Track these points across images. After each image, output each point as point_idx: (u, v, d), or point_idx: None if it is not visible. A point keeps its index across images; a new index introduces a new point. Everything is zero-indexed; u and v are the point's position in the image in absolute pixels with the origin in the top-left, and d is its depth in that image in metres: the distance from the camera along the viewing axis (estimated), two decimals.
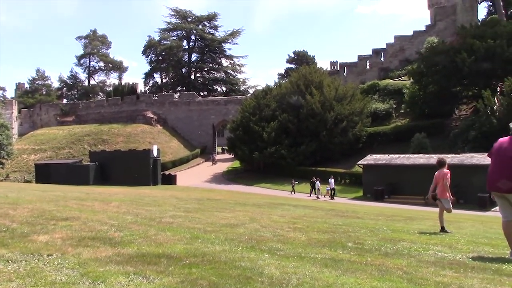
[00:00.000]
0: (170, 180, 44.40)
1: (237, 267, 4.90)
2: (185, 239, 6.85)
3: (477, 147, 37.53)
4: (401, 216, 16.01)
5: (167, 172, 48.24)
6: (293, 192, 39.62)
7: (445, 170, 9.95)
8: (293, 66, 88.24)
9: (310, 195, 38.16)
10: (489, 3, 79.78)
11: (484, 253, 6.65)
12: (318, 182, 38.15)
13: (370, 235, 8.48)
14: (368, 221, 12.34)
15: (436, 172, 10.09)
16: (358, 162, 40.14)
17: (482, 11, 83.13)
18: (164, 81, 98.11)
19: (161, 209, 12.69)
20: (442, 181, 9.90)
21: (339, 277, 4.58)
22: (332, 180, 37.16)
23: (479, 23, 60.53)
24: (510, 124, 6.54)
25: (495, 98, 40.65)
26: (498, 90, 42.98)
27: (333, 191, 36.79)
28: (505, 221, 6.36)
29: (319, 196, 37.40)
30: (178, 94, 76.73)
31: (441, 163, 10.11)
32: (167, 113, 71.02)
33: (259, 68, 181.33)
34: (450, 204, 9.92)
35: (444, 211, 10.02)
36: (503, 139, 6.48)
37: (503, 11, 63.66)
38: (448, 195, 9.86)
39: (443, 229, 9.87)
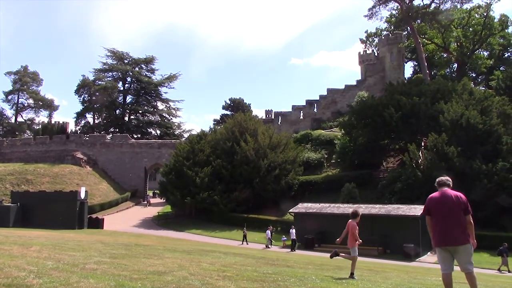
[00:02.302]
0: (97, 223, 42.85)
1: None
2: (109, 287, 6.56)
3: (403, 198, 38.98)
4: (330, 265, 16.17)
5: (94, 216, 46.54)
6: (245, 242, 37.14)
7: (356, 221, 11.12)
8: (228, 112, 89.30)
9: (242, 243, 37.00)
10: (415, 63, 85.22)
11: None
12: (269, 231, 36.56)
13: (299, 284, 8.49)
14: (298, 270, 12.35)
15: (349, 221, 11.20)
16: (290, 210, 40.55)
17: (408, 70, 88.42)
18: (96, 121, 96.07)
19: (86, 254, 12.14)
20: (352, 231, 11.06)
21: None
22: (293, 231, 34.86)
23: (406, 81, 64.17)
24: (437, 179, 7.15)
25: (420, 152, 42.72)
26: (423, 144, 45.25)
27: (294, 242, 34.49)
28: (445, 273, 6.91)
29: (269, 246, 35.57)
30: (111, 135, 75.13)
31: (354, 215, 11.26)
32: (98, 155, 69.10)
33: (195, 113, 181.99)
34: (356, 252, 11.05)
35: (354, 258, 11.10)
36: (439, 194, 7.00)
37: (427, 71, 68.00)
38: (356, 243, 11.06)
39: (352, 276, 10.78)
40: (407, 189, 40.60)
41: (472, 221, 6.95)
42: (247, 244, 36.69)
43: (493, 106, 42.91)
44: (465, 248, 6.84)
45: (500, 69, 75.78)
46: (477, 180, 37.60)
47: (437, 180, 7.20)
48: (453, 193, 7.00)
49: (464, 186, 37.68)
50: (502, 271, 27.82)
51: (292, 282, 8.68)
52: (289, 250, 33.72)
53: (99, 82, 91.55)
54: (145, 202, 66.14)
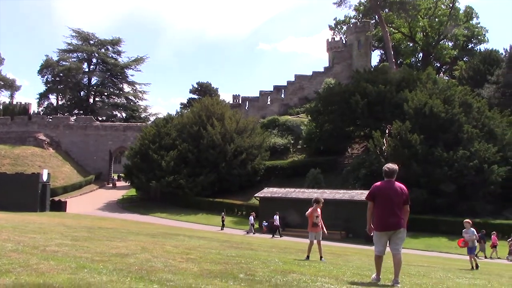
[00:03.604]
0: (60, 206, 42.08)
1: None
2: (70, 269, 6.49)
3: (366, 184, 39.60)
4: (293, 249, 16.41)
5: (57, 198, 45.69)
6: (222, 228, 36.46)
7: (318, 207, 11.59)
8: (196, 96, 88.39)
9: (222, 228, 36.31)
10: (382, 51, 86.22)
11: (367, 286, 6.97)
12: (252, 217, 35.85)
13: (262, 266, 8.57)
14: (261, 253, 12.48)
15: (314, 207, 11.63)
16: (255, 195, 40.75)
17: (375, 58, 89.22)
18: (60, 103, 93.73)
19: (47, 237, 11.95)
20: (312, 216, 11.55)
21: None
22: (277, 217, 33.62)
23: (372, 69, 64.91)
24: (384, 168, 7.65)
25: (384, 139, 43.43)
26: (387, 132, 45.99)
27: (278, 229, 33.39)
28: (378, 255, 7.56)
29: (253, 232, 35.01)
30: (75, 117, 73.61)
31: (316, 201, 11.75)
32: (61, 137, 67.61)
33: (161, 97, 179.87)
34: (312, 237, 11.58)
35: (315, 242, 11.59)
36: (384, 184, 7.55)
37: (393, 60, 68.95)
38: (314, 229, 11.58)
39: (308, 258, 11.32)
40: (371, 175, 41.24)
41: (408, 210, 7.61)
42: (223, 229, 36.23)
43: (456, 96, 43.87)
44: (402, 232, 7.48)
45: (464, 59, 77.47)
46: (438, 167, 38.53)
47: (385, 169, 7.67)
48: (397, 184, 7.58)
49: (425, 173, 38.70)
50: (479, 257, 28.65)
51: (255, 265, 8.76)
52: (271, 236, 32.62)
53: (63, 63, 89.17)
54: (110, 185, 65.53)
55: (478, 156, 38.91)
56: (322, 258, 11.30)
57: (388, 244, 7.60)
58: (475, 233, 14.23)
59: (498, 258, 28.84)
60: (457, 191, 38.81)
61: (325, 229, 11.90)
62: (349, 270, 9.16)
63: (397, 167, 7.74)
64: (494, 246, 29.35)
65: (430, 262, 17.71)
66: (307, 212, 11.73)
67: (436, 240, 34.24)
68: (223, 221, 37.22)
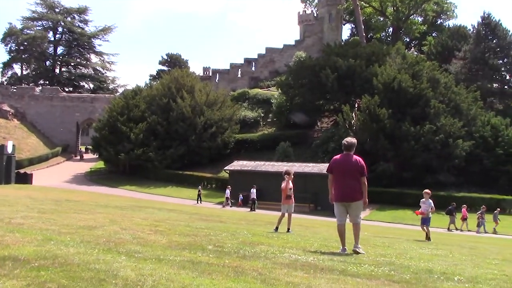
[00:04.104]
0: (26, 179, 41.23)
1: (90, 270, 4.69)
2: (36, 241, 6.41)
3: None
4: (262, 221, 16.58)
5: (22, 171, 44.78)
6: (199, 202, 36.07)
7: (289, 180, 11.70)
8: (165, 68, 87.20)
9: (197, 202, 35.96)
10: (353, 25, 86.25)
11: (334, 256, 7.11)
12: (228, 191, 35.70)
13: (231, 238, 8.64)
14: (230, 225, 12.58)
15: (287, 179, 11.70)
16: (225, 168, 40.85)
17: (346, 32, 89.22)
18: (24, 72, 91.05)
19: (12, 209, 11.75)
20: (286, 189, 11.64)
21: (195, 278, 4.59)
22: (254, 190, 33.31)
23: (343, 43, 65.04)
24: (343, 141, 7.94)
25: (353, 113, 43.88)
26: (356, 106, 46.45)
27: (254, 202, 33.06)
28: (340, 224, 7.86)
29: (229, 205, 35.00)
30: (40, 87, 71.74)
31: (286, 173, 11.83)
32: (27, 107, 65.91)
33: (130, 68, 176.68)
34: (285, 209, 11.71)
35: (286, 215, 11.72)
36: (342, 157, 7.85)
37: (364, 34, 69.14)
38: (287, 201, 11.71)
39: (277, 229, 11.39)
40: (339, 149, 41.60)
41: (366, 182, 7.82)
42: (201, 203, 35.97)
43: (424, 71, 44.47)
44: (358, 204, 7.77)
45: (433, 35, 78.22)
46: (405, 141, 39.25)
47: (344, 142, 7.98)
48: (354, 157, 7.83)
49: (393, 147, 39.38)
50: (451, 230, 29.42)
51: (224, 237, 8.83)
52: (249, 210, 32.31)
53: (28, 31, 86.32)
54: (77, 157, 64.61)
55: (444, 130, 39.75)
56: (290, 230, 11.45)
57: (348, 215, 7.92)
58: (432, 204, 14.41)
59: (469, 230, 29.67)
60: (423, 164, 39.70)
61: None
62: (316, 242, 9.32)
63: (355, 141, 8.06)
64: (464, 219, 30.16)
65: (396, 233, 18.18)
66: (282, 185, 11.75)
67: (402, 212, 35.04)
68: (199, 195, 36.98)
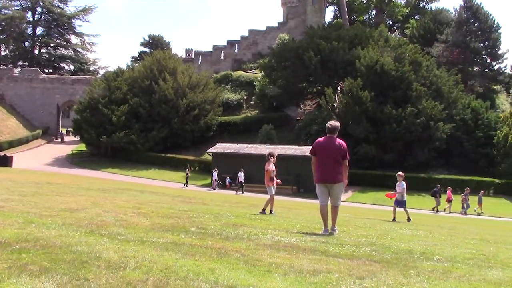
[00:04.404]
0: (6, 162, 40.66)
1: (72, 252, 4.67)
2: (17, 224, 6.35)
3: None
4: (245, 203, 16.64)
5: (2, 153, 44.17)
6: (186, 185, 35.86)
7: (272, 162, 11.73)
8: (147, 50, 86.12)
9: (185, 185, 35.80)
10: (336, 7, 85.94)
11: (316, 237, 7.18)
12: (215, 173, 35.48)
13: (214, 220, 8.67)
14: (213, 207, 12.61)
15: (270, 161, 11.77)
16: (208, 150, 40.80)
17: (329, 14, 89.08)
18: (3, 54, 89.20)
19: None
20: (270, 171, 11.71)
21: (178, 260, 4.60)
22: (241, 173, 32.99)
23: (326, 25, 64.88)
24: (327, 124, 8.05)
25: (336, 96, 44.00)
26: (339, 88, 46.56)
27: (241, 185, 33.00)
28: (322, 205, 8.02)
29: (215, 188, 34.92)
30: (19, 69, 70.40)
31: (269, 155, 11.86)
32: (5, 89, 64.72)
33: (111, 49, 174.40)
34: (272, 191, 11.70)
35: (271, 196, 11.67)
36: (325, 140, 7.96)
37: (347, 17, 69.03)
38: (271, 183, 11.73)
39: (263, 212, 11.41)
40: (322, 131, 41.82)
41: (347, 165, 8.04)
42: (187, 186, 35.80)
43: (406, 54, 44.67)
44: (339, 185, 7.95)
45: (415, 18, 78.45)
46: (387, 124, 39.57)
47: (327, 125, 8.07)
48: (338, 140, 7.95)
49: (375, 130, 39.68)
50: (439, 211, 29.79)
51: (207, 219, 8.85)
52: (235, 192, 32.37)
53: (5, 11, 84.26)
54: (58, 139, 63.94)
55: (425, 113, 40.14)
56: (273, 212, 11.52)
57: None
58: (405, 186, 14.53)
59: (450, 212, 30.11)
60: (405, 147, 40.13)
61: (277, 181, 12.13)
62: (299, 223, 9.40)
63: (339, 124, 8.21)
64: (449, 201, 30.57)
65: (377, 215, 18.40)
66: (267, 167, 11.76)
67: (384, 194, 35.29)
68: (187, 178, 36.91)
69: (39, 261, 4.20)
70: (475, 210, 30.53)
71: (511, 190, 37.07)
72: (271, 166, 11.70)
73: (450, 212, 29.94)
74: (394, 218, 14.36)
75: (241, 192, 32.26)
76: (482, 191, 32.40)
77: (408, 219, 14.27)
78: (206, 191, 32.63)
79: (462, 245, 8.01)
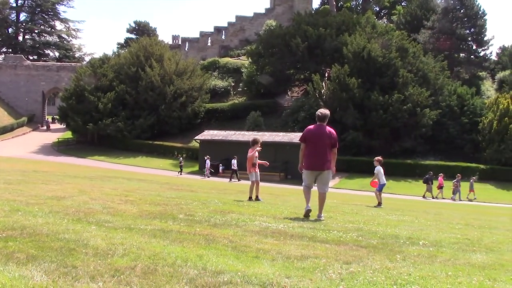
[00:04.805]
0: None
1: (60, 240, 4.66)
2: (3, 212, 6.31)
3: (305, 126, 39.92)
4: (233, 190, 16.68)
5: None
6: (180, 173, 35.45)
7: (255, 148, 11.67)
8: (133, 36, 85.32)
9: (179, 173, 35.47)
10: None
11: (303, 223, 7.23)
12: (208, 161, 34.88)
13: (202, 207, 8.68)
14: (201, 194, 12.62)
15: (254, 147, 11.67)
16: (195, 137, 40.70)
17: (316, 0, 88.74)
18: None
19: None
20: (252, 158, 11.62)
21: (166, 246, 4.62)
22: (234, 161, 31.95)
23: (313, 12, 64.69)
24: (317, 112, 8.15)
25: (323, 83, 44.02)
26: (326, 75, 46.58)
27: (235, 173, 32.08)
28: (305, 186, 8.23)
29: (208, 175, 34.42)
30: (3, 56, 69.53)
31: (253, 142, 11.82)
32: None
33: (97, 36, 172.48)
34: (254, 177, 11.55)
35: (255, 183, 11.58)
36: (315, 128, 8.04)
37: (334, 3, 68.89)
38: (252, 169, 11.61)
39: (250, 199, 11.39)
40: (309, 118, 42.00)
41: (336, 153, 8.19)
42: (181, 174, 35.39)
43: (393, 40, 44.76)
44: (327, 173, 8.08)
45: (402, 4, 78.50)
46: (374, 111, 39.75)
47: (318, 113, 8.19)
48: (327, 129, 8.05)
49: (362, 116, 39.85)
50: (427, 198, 30.01)
51: (195, 206, 8.86)
52: (228, 180, 31.54)
53: None
54: (44, 127, 63.43)
55: (411, 100, 40.35)
56: (260, 198, 11.55)
57: (316, 184, 8.24)
58: (381, 171, 14.60)
59: (443, 198, 30.35)
60: (391, 133, 40.38)
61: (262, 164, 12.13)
62: (286, 210, 9.44)
63: (329, 112, 8.29)
64: (440, 187, 30.78)
65: (364, 201, 18.53)
66: (249, 154, 11.76)
67: (370, 180, 35.63)
68: (181, 166, 36.54)
69: (26, 249, 4.19)
70: (467, 197, 30.77)
71: (496, 175, 37.55)
72: (252, 153, 11.68)
73: (443, 198, 30.19)
74: (380, 202, 14.33)
75: (236, 180, 31.47)
76: (474, 177, 32.51)
77: (379, 204, 14.18)
78: (199, 179, 32.45)
79: (447, 229, 8.11)
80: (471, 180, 31.39)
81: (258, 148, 11.78)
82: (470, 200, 30.18)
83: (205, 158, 35.73)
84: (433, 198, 30.17)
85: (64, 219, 6.04)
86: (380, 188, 14.73)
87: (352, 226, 7.42)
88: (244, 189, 17.41)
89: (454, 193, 30.35)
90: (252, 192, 11.58)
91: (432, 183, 30.57)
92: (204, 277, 3.61)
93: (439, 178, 31.03)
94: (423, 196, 30.08)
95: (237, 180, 31.28)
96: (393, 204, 17.53)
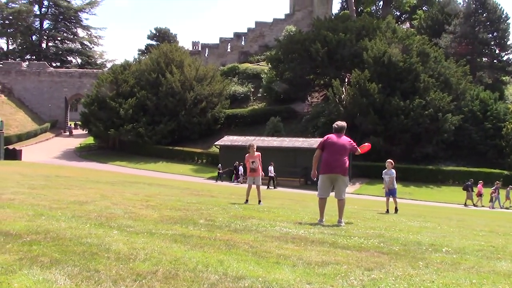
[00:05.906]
0: (15, 155, 41.01)
1: (82, 244, 4.72)
2: (28, 216, 6.41)
3: (325, 132, 39.60)
4: (252, 196, 16.63)
5: (11, 147, 44.51)
6: (219, 180, 34.59)
7: (255, 154, 11.89)
8: (154, 42, 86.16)
9: (217, 181, 34.67)
10: None
11: (324, 229, 7.19)
12: (241, 168, 33.51)
13: (222, 212, 8.69)
14: (221, 200, 12.64)
15: (248, 155, 11.93)
16: (215, 143, 40.79)
17: (336, 5, 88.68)
18: (10, 47, 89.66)
19: (2, 185, 11.71)
20: (248, 162, 11.89)
21: (187, 251, 4.64)
22: (271, 168, 30.30)
23: (333, 17, 64.50)
24: (333, 125, 8.29)
25: (343, 88, 43.80)
26: (346, 80, 46.34)
27: (272, 179, 30.74)
28: (321, 198, 8.18)
29: (238, 182, 33.77)
30: (27, 63, 70.76)
31: (248, 147, 12.10)
32: (14, 83, 65.16)
33: (118, 43, 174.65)
34: (250, 181, 11.93)
35: (253, 187, 11.92)
36: (336, 137, 8.12)
37: (354, 8, 68.57)
38: (253, 174, 11.87)
39: (246, 202, 11.62)
40: (329, 124, 41.71)
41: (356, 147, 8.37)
42: (222, 181, 34.41)
43: (414, 45, 44.33)
44: (344, 179, 8.10)
45: (423, 8, 77.82)
46: (394, 116, 39.38)
47: (334, 126, 8.28)
48: (346, 139, 8.17)
49: (382, 122, 39.52)
50: (468, 205, 29.46)
51: (215, 211, 8.88)
52: (266, 187, 28.84)
53: (12, 5, 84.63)
54: (67, 133, 64.34)
55: (433, 105, 39.87)
56: (261, 202, 11.58)
57: (333, 190, 8.23)
58: (394, 174, 14.02)
59: (483, 206, 29.68)
60: (412, 139, 39.94)
61: (261, 172, 12.14)
62: (306, 215, 9.40)
63: (345, 124, 8.40)
64: (480, 195, 30.12)
65: (385, 207, 18.31)
66: (253, 162, 11.90)
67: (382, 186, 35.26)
68: (220, 173, 35.50)
69: (50, 253, 4.25)
70: (502, 205, 29.99)
71: None
72: (248, 158, 11.83)
73: (482, 206, 29.56)
74: (387, 210, 13.85)
75: (273, 187, 30.26)
76: (511, 186, 31.52)
77: (396, 210, 13.75)
78: (233, 185, 31.51)
79: (471, 236, 7.99)
80: (508, 188, 30.59)
81: (257, 153, 11.92)
82: (507, 208, 29.49)
83: (238, 165, 34.17)
84: (474, 205, 29.61)
85: (87, 223, 6.11)
86: (394, 193, 14.13)
87: (373, 232, 7.35)
88: (264, 194, 17.40)
89: (492, 200, 29.70)
90: (248, 195, 11.84)
91: (472, 190, 29.78)
92: (225, 282, 3.62)
93: (478, 185, 30.33)
94: (465, 204, 29.32)
95: (272, 188, 30.17)
96: (414, 210, 17.32)
